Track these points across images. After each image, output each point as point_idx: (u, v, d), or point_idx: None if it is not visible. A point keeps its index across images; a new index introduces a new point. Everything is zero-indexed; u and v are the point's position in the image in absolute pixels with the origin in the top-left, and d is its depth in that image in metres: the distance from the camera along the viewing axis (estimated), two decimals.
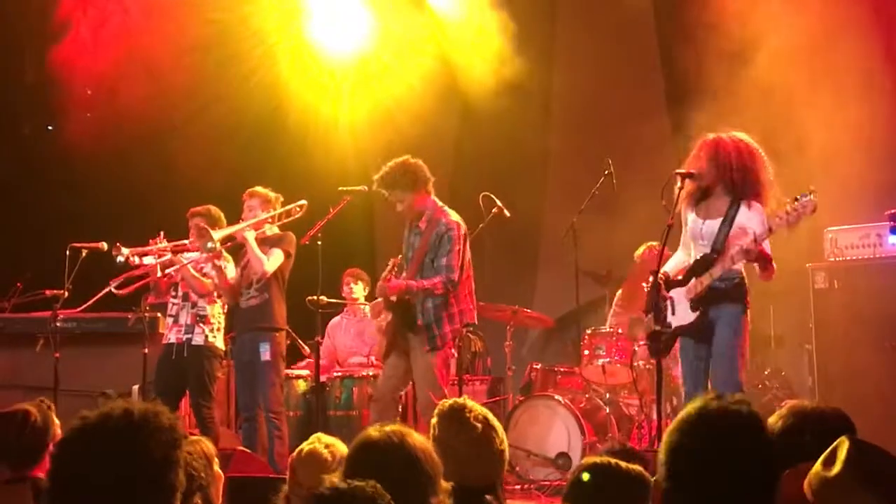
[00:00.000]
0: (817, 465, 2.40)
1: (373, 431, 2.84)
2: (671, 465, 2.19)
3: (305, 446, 3.71)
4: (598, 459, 3.00)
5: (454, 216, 6.76)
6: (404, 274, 6.76)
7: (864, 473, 2.31)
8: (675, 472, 2.19)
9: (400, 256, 6.83)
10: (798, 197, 5.42)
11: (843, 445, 2.37)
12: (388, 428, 2.83)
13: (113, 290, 7.46)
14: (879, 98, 8.30)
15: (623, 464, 2.93)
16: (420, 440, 2.82)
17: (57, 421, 4.15)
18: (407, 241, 6.89)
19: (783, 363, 8.75)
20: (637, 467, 2.95)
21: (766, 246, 5.69)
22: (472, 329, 8.86)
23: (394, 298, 6.72)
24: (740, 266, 5.78)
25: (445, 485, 2.80)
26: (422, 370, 6.66)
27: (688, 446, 2.18)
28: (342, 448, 3.63)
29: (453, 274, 6.61)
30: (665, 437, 2.23)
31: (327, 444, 3.65)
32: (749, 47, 8.77)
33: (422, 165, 6.75)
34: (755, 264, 5.68)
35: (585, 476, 2.80)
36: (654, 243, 8.26)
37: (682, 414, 2.23)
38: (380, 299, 6.89)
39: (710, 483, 2.13)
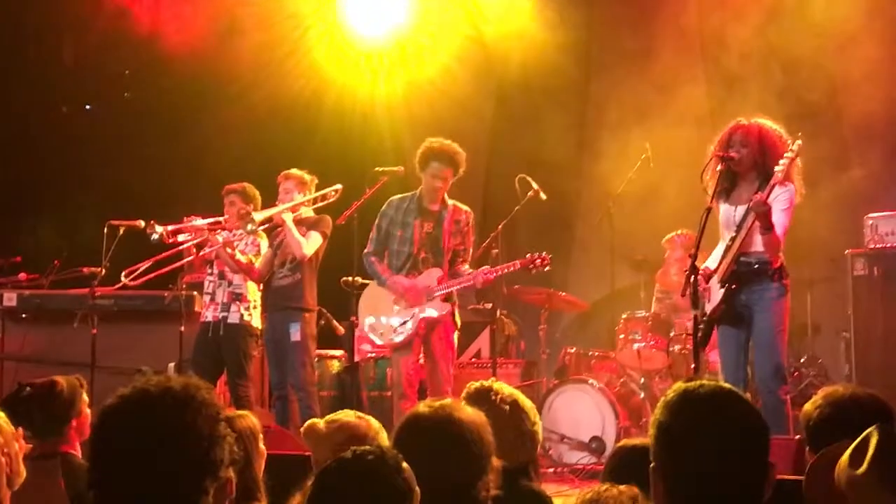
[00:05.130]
0: (844, 457, 2.35)
1: (422, 407, 2.79)
2: (658, 445, 2.21)
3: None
4: (637, 442, 2.98)
5: (468, 208, 7.17)
6: (422, 255, 6.95)
7: (890, 475, 2.26)
8: (663, 452, 2.20)
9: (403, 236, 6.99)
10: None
11: (871, 439, 2.31)
12: (437, 403, 2.78)
13: (124, 280, 7.52)
14: None
15: None
16: (470, 416, 2.74)
17: (86, 398, 4.15)
18: (407, 222, 7.00)
19: (820, 351, 8.67)
20: None
21: (783, 216, 5.70)
22: (506, 312, 8.92)
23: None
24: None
25: (497, 463, 2.73)
26: (444, 348, 6.89)
27: (674, 425, 2.19)
28: (356, 422, 3.61)
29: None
30: (652, 419, 2.26)
31: (331, 420, 3.64)
32: (789, 35, 8.70)
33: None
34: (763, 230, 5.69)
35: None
36: (683, 231, 8.23)
37: (665, 396, 2.25)
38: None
39: (699, 460, 2.15)
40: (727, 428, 2.17)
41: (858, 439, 2.35)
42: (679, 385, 2.25)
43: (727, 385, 2.25)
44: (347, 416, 3.69)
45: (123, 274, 7.54)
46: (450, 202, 7.04)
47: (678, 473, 2.18)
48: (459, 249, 7.05)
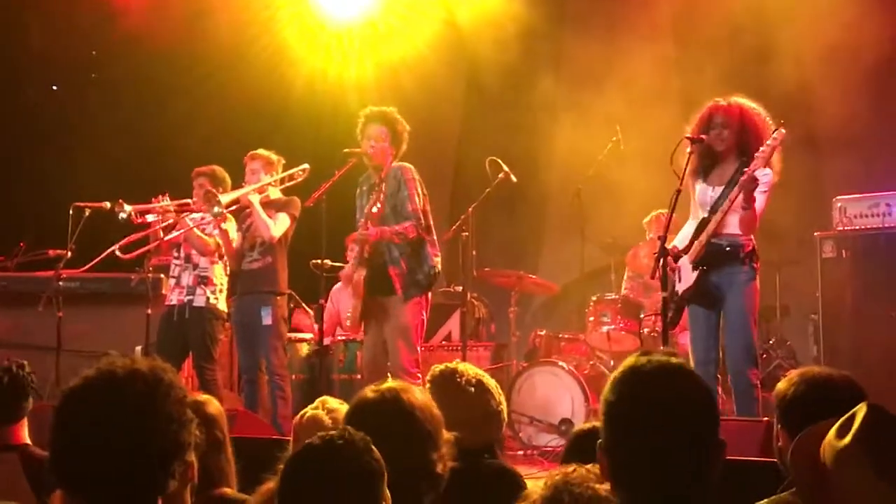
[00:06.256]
0: (831, 433, 2.32)
1: (368, 391, 2.82)
2: (605, 420, 2.18)
3: (308, 411, 3.70)
4: (587, 426, 2.99)
5: (405, 163, 6.83)
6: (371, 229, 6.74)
7: (875, 449, 2.23)
8: (609, 427, 2.17)
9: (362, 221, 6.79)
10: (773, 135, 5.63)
11: (859, 414, 2.28)
12: (383, 386, 2.81)
13: (118, 253, 7.42)
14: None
15: None
16: (418, 397, 2.78)
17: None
18: (360, 202, 6.91)
19: (788, 333, 8.72)
20: None
21: (762, 198, 5.70)
22: (476, 295, 8.89)
23: (367, 251, 6.71)
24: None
25: (448, 436, 2.76)
26: (395, 326, 6.65)
27: (620, 400, 2.16)
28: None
29: (420, 216, 6.67)
30: (602, 396, 2.22)
31: (330, 409, 3.63)
32: (762, 17, 8.71)
33: (407, 135, 6.82)
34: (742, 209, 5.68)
35: None
36: (663, 211, 8.21)
37: (614, 373, 2.21)
38: (348, 267, 6.85)
39: (642, 435, 2.11)
40: (672, 403, 2.11)
41: (847, 415, 2.33)
42: (628, 360, 2.21)
43: (676, 360, 2.19)
44: (334, 402, 3.68)
45: (117, 249, 7.40)
46: (393, 166, 6.82)
47: (623, 449, 2.13)
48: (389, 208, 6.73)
